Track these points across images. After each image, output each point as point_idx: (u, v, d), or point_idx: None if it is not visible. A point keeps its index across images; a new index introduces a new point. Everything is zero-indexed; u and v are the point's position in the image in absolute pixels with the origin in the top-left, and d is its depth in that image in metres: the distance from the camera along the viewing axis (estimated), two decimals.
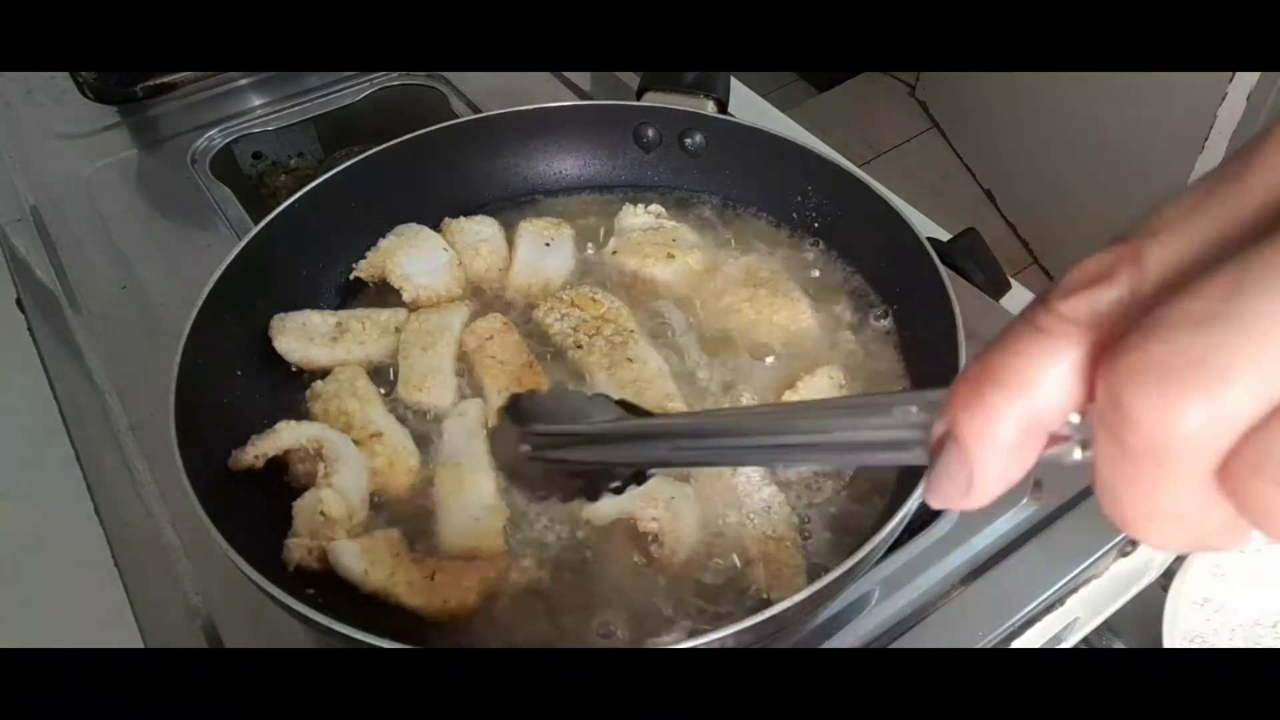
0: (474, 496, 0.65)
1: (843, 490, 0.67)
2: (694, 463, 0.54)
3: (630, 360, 0.72)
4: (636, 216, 0.84)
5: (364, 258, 0.80)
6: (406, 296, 0.78)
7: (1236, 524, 0.21)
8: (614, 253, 0.82)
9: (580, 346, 0.73)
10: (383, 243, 0.81)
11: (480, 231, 0.83)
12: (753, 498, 0.65)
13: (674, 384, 0.72)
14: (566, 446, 0.50)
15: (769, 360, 0.74)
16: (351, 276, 0.81)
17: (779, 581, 0.61)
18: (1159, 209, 0.21)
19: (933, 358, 0.68)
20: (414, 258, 0.80)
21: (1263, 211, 0.20)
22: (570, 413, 0.50)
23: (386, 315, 0.76)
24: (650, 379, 0.71)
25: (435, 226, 0.83)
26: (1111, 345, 0.20)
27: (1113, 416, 0.20)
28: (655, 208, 0.85)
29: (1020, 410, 0.22)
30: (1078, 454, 0.23)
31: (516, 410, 0.55)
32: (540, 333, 0.76)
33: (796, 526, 0.64)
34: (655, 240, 0.81)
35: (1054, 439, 0.23)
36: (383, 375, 0.74)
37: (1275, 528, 0.20)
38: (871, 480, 0.67)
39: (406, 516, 0.66)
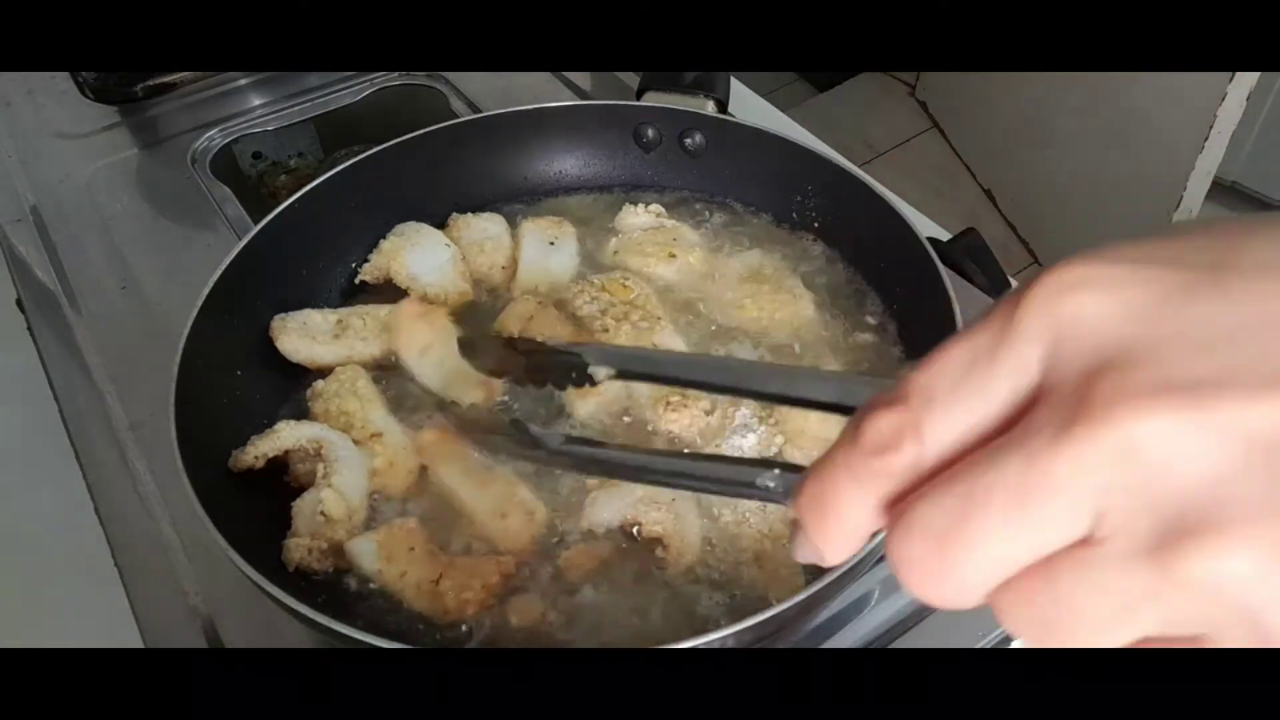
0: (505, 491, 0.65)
1: None
2: (604, 474, 0.57)
3: (655, 346, 0.73)
4: (637, 216, 0.84)
5: (366, 259, 0.81)
6: (413, 296, 0.78)
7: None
8: (615, 253, 0.82)
9: (607, 330, 0.74)
10: (384, 244, 0.81)
11: (486, 229, 0.83)
12: None
13: None
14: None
15: (769, 357, 0.74)
16: (357, 280, 0.81)
17: (777, 581, 0.61)
18: (928, 376, 0.26)
19: None
20: (417, 257, 0.80)
21: (1011, 396, 0.24)
22: None
23: (386, 311, 0.76)
24: None
25: (438, 225, 0.83)
26: (898, 499, 0.26)
27: (896, 558, 0.26)
28: (655, 207, 0.85)
29: (841, 529, 0.28)
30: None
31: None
32: (569, 314, 0.77)
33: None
34: (656, 240, 0.81)
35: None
36: (384, 374, 0.74)
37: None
38: None
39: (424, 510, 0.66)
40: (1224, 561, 0.21)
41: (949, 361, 0.26)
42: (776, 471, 0.32)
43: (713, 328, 0.77)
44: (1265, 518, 0.21)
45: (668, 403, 0.69)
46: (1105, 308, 0.23)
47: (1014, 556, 0.24)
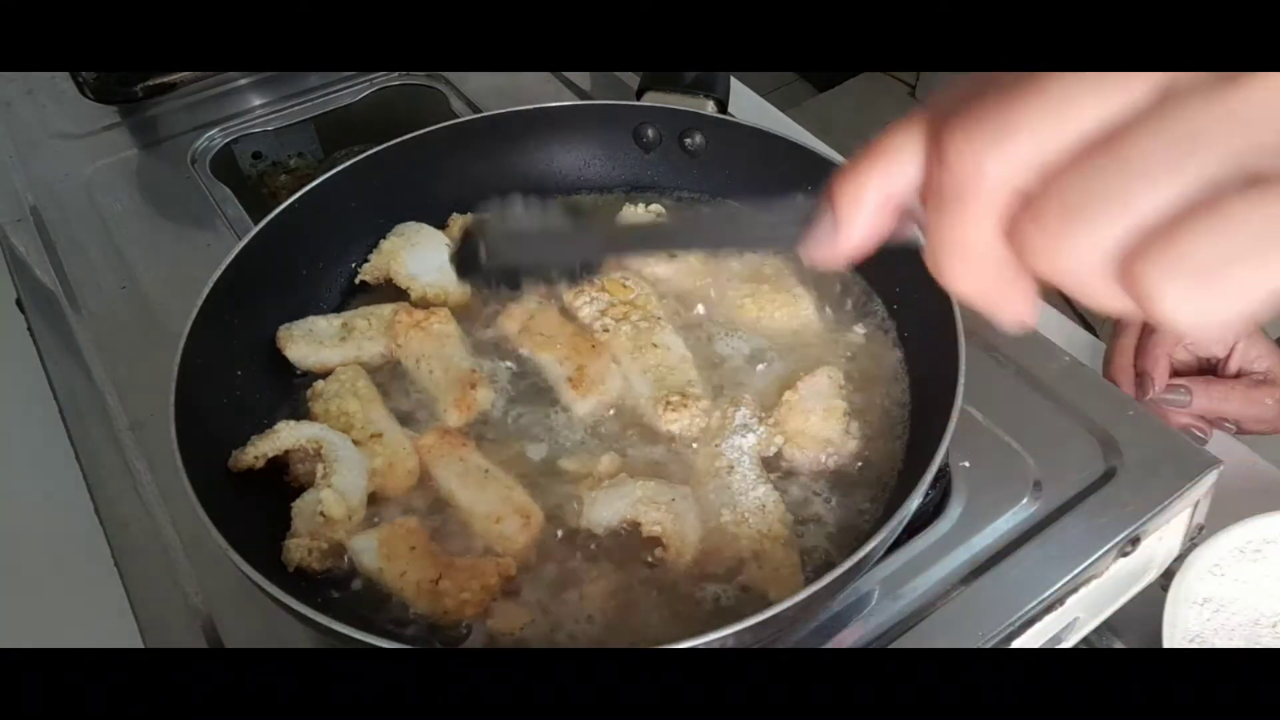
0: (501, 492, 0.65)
1: (843, 491, 0.67)
2: (623, 251, 0.62)
3: (655, 346, 0.73)
4: (637, 216, 0.84)
5: (366, 259, 0.81)
6: (414, 296, 0.78)
7: (1016, 275, 0.28)
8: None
9: (607, 330, 0.74)
10: (384, 244, 0.81)
11: None
12: (747, 496, 0.65)
13: (696, 372, 0.73)
14: (522, 247, 0.59)
15: (769, 360, 0.74)
16: (357, 280, 0.81)
17: (777, 581, 0.61)
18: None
19: (933, 357, 0.68)
20: (417, 256, 0.80)
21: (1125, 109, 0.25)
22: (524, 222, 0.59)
23: (389, 309, 0.77)
24: (674, 365, 0.72)
25: (438, 225, 0.83)
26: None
27: (935, 165, 0.27)
28: (655, 207, 0.85)
29: (880, 181, 0.29)
30: (920, 235, 0.30)
31: (480, 228, 0.63)
32: (569, 315, 0.77)
33: (791, 525, 0.64)
34: None
35: (902, 217, 0.31)
36: (384, 375, 0.74)
37: (1038, 263, 0.26)
38: (872, 481, 0.67)
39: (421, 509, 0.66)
40: None
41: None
42: (799, 196, 0.33)
43: (713, 327, 0.77)
44: None
45: (668, 403, 0.69)
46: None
47: (1168, 199, 0.24)
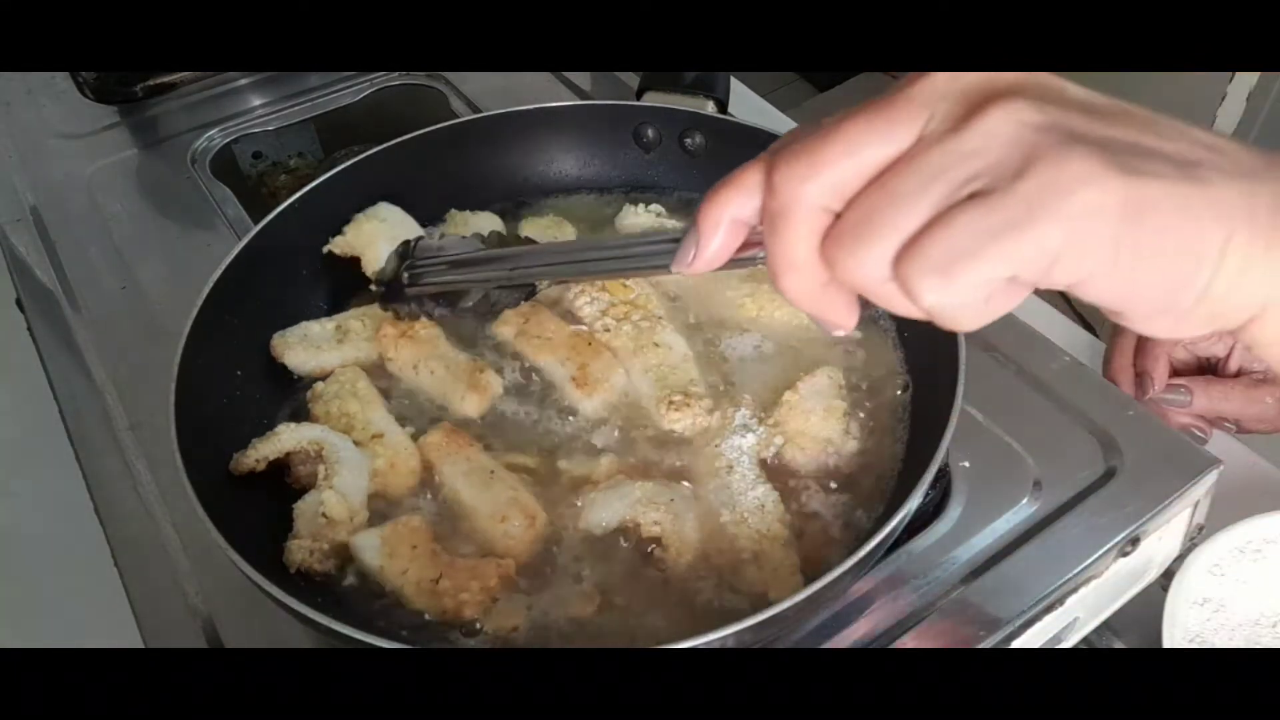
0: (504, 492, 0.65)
1: (843, 491, 0.67)
2: (525, 279, 0.67)
3: (656, 345, 0.73)
4: (637, 216, 0.84)
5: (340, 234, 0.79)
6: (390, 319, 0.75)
7: (833, 287, 0.35)
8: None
9: (608, 330, 0.74)
10: (364, 224, 0.79)
11: (483, 226, 0.83)
12: (746, 496, 0.65)
13: (698, 370, 0.72)
14: (436, 272, 0.69)
15: (769, 360, 0.74)
16: (324, 250, 0.79)
17: (776, 581, 0.61)
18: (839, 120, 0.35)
19: (932, 358, 0.68)
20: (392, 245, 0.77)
21: (895, 150, 0.33)
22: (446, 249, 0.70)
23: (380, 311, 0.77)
24: (675, 364, 0.72)
25: (437, 225, 0.83)
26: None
27: (768, 192, 0.35)
28: (655, 208, 0.85)
29: (731, 208, 0.37)
30: (760, 254, 0.38)
31: (405, 251, 0.72)
32: (570, 315, 0.77)
33: (790, 525, 0.64)
34: None
35: (749, 244, 0.39)
36: (384, 375, 0.74)
37: (842, 275, 0.33)
38: (871, 481, 0.67)
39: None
40: (1006, 107, 0.31)
41: (856, 118, 0.34)
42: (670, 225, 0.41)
43: (712, 327, 0.77)
44: (1038, 92, 0.32)
45: (670, 402, 0.69)
46: (976, 78, 0.32)
47: (864, 163, 0.33)
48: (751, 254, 0.40)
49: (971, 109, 0.31)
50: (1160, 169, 0.30)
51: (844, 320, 0.36)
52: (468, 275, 0.68)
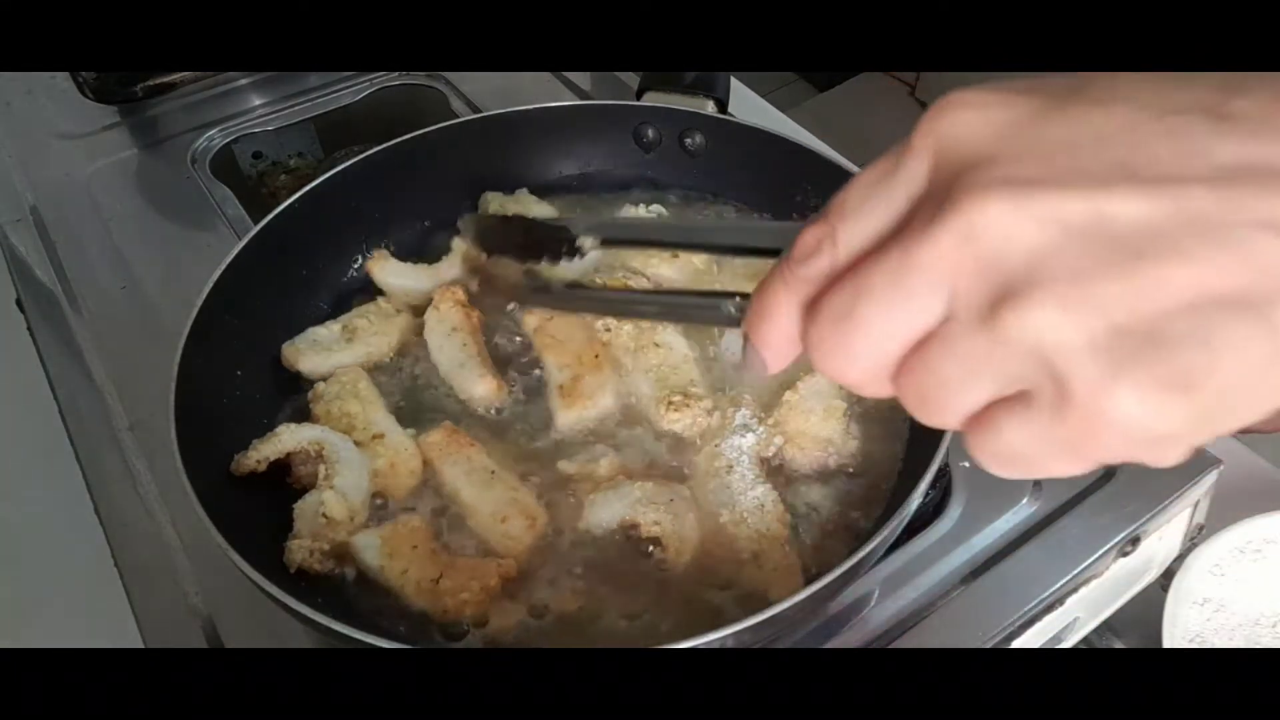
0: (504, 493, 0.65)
1: (843, 490, 0.67)
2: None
3: (657, 345, 0.73)
4: (637, 216, 0.84)
5: (368, 256, 0.81)
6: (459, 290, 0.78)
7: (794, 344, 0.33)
8: (618, 252, 0.82)
9: (609, 329, 0.74)
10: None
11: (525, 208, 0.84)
12: (746, 496, 0.65)
13: (698, 371, 0.73)
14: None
15: None
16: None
17: (776, 580, 0.61)
18: (845, 195, 0.31)
19: None
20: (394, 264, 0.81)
21: (906, 204, 0.29)
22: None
23: (384, 302, 0.78)
24: (675, 365, 0.72)
25: (438, 225, 0.83)
26: (817, 297, 0.31)
27: (809, 343, 0.32)
28: (655, 208, 0.85)
29: (777, 332, 0.34)
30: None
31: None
32: (588, 322, 0.77)
33: (790, 525, 0.64)
34: None
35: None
36: (384, 375, 0.74)
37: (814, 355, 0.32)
38: (871, 481, 0.67)
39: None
40: (1031, 313, 0.26)
41: (861, 181, 0.31)
42: (737, 299, 0.39)
43: (713, 326, 0.77)
44: (1068, 281, 0.25)
45: (670, 403, 0.69)
46: (975, 125, 0.28)
47: (894, 334, 0.29)
48: None
49: (996, 299, 0.27)
50: (1204, 361, 0.25)
51: (775, 367, 0.36)
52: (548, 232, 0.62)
